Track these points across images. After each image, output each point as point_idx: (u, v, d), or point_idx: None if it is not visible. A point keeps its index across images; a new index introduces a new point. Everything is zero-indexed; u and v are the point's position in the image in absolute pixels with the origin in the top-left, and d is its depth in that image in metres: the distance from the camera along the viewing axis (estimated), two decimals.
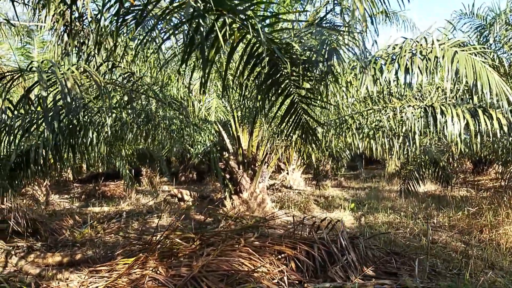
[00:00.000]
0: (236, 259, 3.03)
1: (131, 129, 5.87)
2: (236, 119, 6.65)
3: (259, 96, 3.50)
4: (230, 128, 7.04)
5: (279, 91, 3.44)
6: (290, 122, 3.70)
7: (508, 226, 5.26)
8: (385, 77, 4.96)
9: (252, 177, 6.95)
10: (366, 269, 3.25)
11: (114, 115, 5.98)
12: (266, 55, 3.04)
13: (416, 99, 6.32)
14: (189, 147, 6.90)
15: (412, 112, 5.88)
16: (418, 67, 4.68)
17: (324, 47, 2.90)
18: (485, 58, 4.85)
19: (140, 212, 8.65)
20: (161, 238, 3.40)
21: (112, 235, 6.16)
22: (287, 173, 13.84)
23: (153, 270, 2.83)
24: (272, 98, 3.53)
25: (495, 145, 7.52)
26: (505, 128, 5.20)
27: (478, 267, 4.10)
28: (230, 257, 3.06)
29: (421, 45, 4.79)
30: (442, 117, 5.61)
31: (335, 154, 11.56)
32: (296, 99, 3.57)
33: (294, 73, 3.31)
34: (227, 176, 7.08)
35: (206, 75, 2.75)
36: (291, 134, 3.95)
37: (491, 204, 6.32)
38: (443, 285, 2.92)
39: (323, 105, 4.50)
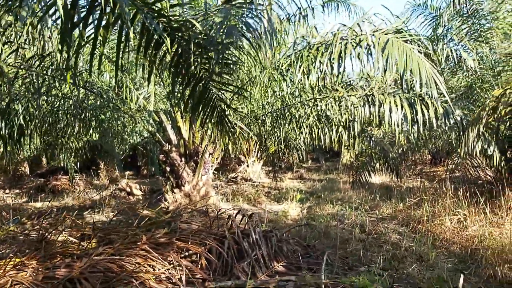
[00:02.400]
0: (130, 259, 2.77)
1: (53, 119, 5.51)
2: (175, 108, 6.35)
3: (169, 81, 3.22)
4: (173, 118, 6.73)
5: (188, 75, 3.18)
6: (205, 109, 3.45)
7: (444, 217, 5.21)
8: (320, 66, 4.80)
9: (194, 169, 6.68)
10: (277, 264, 3.06)
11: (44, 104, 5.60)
12: (167, 34, 2.77)
13: (360, 88, 6.21)
14: (127, 138, 6.57)
15: (353, 102, 5.74)
16: (351, 55, 4.53)
17: (224, 24, 2.65)
18: (420, 46, 4.73)
19: (82, 207, 8.24)
20: (53, 236, 3.11)
21: (41, 232, 5.76)
22: (247, 166, 13.63)
23: (32, 272, 2.54)
24: (184, 83, 3.26)
25: (449, 136, 7.53)
26: (440, 116, 5.14)
27: (404, 259, 4.00)
28: (125, 256, 2.80)
29: (354, 32, 4.63)
30: (381, 106, 5.50)
31: (292, 146, 11.46)
32: (208, 85, 3.32)
33: (203, 56, 3.07)
34: (168, 168, 6.77)
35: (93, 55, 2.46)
36: (206, 122, 3.70)
37: (433, 195, 6.29)
38: (345, 280, 2.76)
39: (238, 91, 4.26)
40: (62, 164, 14.80)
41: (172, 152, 6.66)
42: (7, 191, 12.76)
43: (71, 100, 5.31)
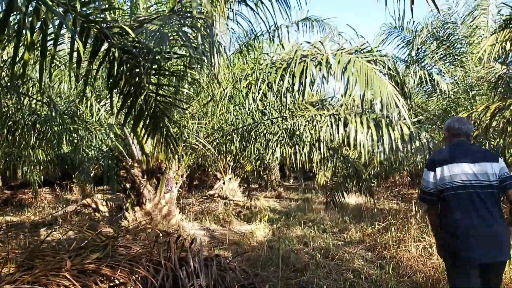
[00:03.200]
0: None
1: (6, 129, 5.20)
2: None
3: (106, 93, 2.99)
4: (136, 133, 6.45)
5: (124, 86, 2.94)
6: (146, 124, 3.21)
7: (410, 243, 5.01)
8: (281, 84, 4.63)
9: (156, 186, 6.38)
10: None
11: None
12: (99, 41, 2.55)
13: (331, 107, 6.06)
14: (87, 152, 6.27)
15: (319, 121, 5.58)
16: (312, 74, 4.37)
17: (159, 32, 2.44)
18: (384, 68, 4.60)
19: (40, 223, 7.83)
20: None
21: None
22: (223, 183, 13.32)
23: None
24: (122, 94, 3.02)
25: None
26: (406, 138, 4.99)
27: None
28: (40, 286, 2.51)
29: (317, 49, 4.49)
30: (346, 127, 5.35)
31: (267, 165, 11.26)
32: (148, 97, 3.09)
33: (136, 65, 2.84)
34: (128, 185, 6.47)
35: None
36: (148, 138, 3.46)
37: (402, 219, 6.11)
38: None
39: (180, 103, 4.04)
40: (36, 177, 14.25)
41: (133, 168, 6.36)
42: None
43: (22, 111, 5.01)
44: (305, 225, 7.41)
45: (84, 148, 5.78)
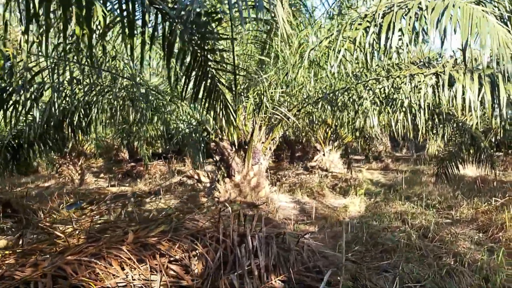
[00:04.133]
0: (104, 261, 2.51)
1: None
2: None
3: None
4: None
5: (180, 54, 2.77)
6: (207, 95, 3.01)
7: None
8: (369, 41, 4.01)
9: (244, 158, 6.31)
10: (274, 278, 2.53)
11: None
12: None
13: (426, 66, 5.18)
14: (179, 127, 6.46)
15: (419, 81, 4.80)
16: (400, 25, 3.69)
17: None
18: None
19: (148, 193, 8.47)
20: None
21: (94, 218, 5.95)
22: (323, 155, 12.88)
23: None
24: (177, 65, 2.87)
25: None
26: None
27: (460, 276, 3.14)
28: (100, 258, 2.55)
29: None
30: (453, 86, 4.49)
31: (367, 134, 10.46)
32: (206, 67, 2.88)
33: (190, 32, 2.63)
34: (217, 158, 6.52)
35: None
36: (209, 109, 3.26)
37: None
38: None
39: (233, 70, 3.69)
40: (160, 151, 15.60)
41: (222, 141, 6.37)
42: (101, 174, 13.90)
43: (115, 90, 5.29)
44: (408, 200, 6.67)
45: (174, 122, 5.93)
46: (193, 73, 2.88)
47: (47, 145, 6.60)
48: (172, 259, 2.73)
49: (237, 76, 5.43)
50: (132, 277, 2.50)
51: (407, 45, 4.25)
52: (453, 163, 7.79)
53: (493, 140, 7.38)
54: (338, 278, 2.46)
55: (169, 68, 2.88)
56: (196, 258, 2.76)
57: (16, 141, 6.54)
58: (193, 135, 6.14)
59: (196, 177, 9.74)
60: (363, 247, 4.01)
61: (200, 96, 3.08)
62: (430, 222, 4.92)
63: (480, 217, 5.09)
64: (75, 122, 6.10)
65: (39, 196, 8.26)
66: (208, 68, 2.84)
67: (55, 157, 12.99)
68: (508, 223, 4.25)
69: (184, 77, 2.86)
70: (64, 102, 5.62)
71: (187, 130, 6.28)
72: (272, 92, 5.25)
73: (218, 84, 2.98)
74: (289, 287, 2.53)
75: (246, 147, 6.30)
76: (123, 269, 2.51)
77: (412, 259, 3.54)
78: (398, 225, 5.07)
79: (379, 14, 3.70)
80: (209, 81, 2.89)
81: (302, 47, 4.82)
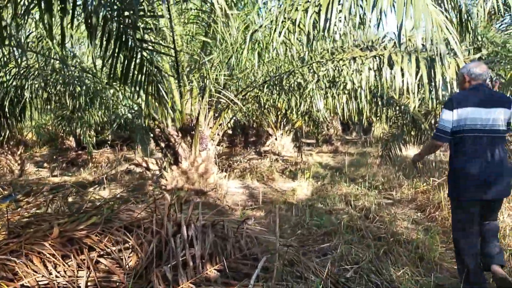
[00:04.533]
0: (24, 258, 2.31)
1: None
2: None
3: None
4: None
5: (104, 33, 2.55)
6: (136, 76, 2.83)
7: None
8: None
9: (191, 144, 6.14)
10: (210, 268, 2.46)
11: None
12: None
13: (369, 49, 5.24)
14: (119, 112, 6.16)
15: (360, 64, 4.84)
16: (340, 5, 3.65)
17: None
18: None
19: (91, 183, 8.10)
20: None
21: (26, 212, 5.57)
22: (276, 139, 12.94)
23: None
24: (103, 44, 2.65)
25: None
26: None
27: (398, 257, 3.23)
28: (17, 255, 2.35)
29: None
30: (391, 68, 4.57)
31: (316, 118, 10.58)
32: (134, 45, 2.68)
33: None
34: (162, 144, 6.32)
35: None
36: (138, 91, 3.09)
37: None
38: None
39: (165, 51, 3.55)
40: (110, 137, 14.84)
41: (168, 126, 6.16)
42: (45, 164, 13.13)
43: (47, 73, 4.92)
44: (354, 182, 6.84)
45: (114, 107, 5.64)
46: (122, 54, 2.68)
47: None
48: (102, 253, 2.57)
49: (181, 58, 5.25)
50: (56, 274, 2.32)
51: (350, 28, 4.28)
52: (396, 145, 8.07)
53: (433, 122, 7.70)
54: (275, 263, 2.42)
55: (93, 48, 2.67)
56: (129, 251, 2.62)
57: None
58: (136, 121, 5.87)
59: (144, 164, 9.42)
60: (306, 231, 4.03)
61: (132, 79, 2.88)
62: (372, 203, 5.05)
63: (419, 197, 5.30)
64: (6, 108, 5.69)
65: None
66: (137, 49, 2.65)
67: None
68: (444, 202, 4.44)
69: (110, 58, 2.66)
70: None
71: (129, 116, 6.00)
72: (216, 75, 5.10)
73: (150, 66, 2.80)
74: (225, 276, 2.46)
75: (193, 132, 6.13)
76: (46, 266, 2.32)
77: (352, 241, 3.60)
78: (342, 207, 5.18)
79: None
80: (138, 62, 2.70)
81: (247, 28, 4.71)
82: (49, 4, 2.19)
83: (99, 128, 12.30)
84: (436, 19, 3.23)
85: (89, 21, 2.41)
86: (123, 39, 2.52)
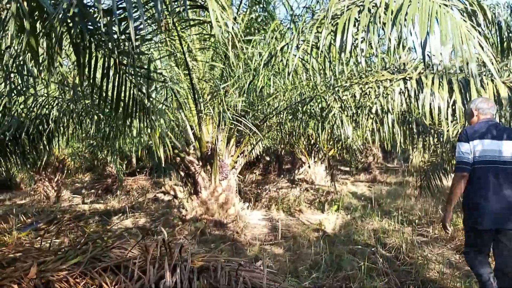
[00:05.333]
0: None
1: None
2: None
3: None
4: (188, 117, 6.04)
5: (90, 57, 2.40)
6: (126, 104, 2.64)
7: None
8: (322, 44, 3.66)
9: (210, 173, 5.91)
10: None
11: None
12: None
13: (399, 72, 4.84)
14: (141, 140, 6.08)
15: (386, 87, 4.46)
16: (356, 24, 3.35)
17: None
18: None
19: (118, 211, 8.04)
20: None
21: (44, 241, 5.50)
22: (309, 167, 12.49)
23: None
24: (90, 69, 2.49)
25: None
26: (505, 102, 3.63)
27: None
28: None
29: None
30: (421, 91, 4.14)
31: (348, 146, 10.10)
32: (121, 74, 2.50)
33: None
34: (182, 173, 6.13)
35: None
36: (129, 118, 2.88)
37: None
38: None
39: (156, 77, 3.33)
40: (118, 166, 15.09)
41: (188, 155, 5.98)
42: (83, 190, 13.41)
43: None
44: (388, 216, 6.28)
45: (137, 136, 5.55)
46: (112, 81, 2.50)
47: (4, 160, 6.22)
48: None
49: (198, 86, 5.10)
50: None
51: (377, 50, 3.93)
52: (436, 175, 7.43)
53: None
54: None
55: (82, 85, 2.51)
56: None
57: None
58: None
59: (172, 193, 9.30)
60: (323, 273, 3.60)
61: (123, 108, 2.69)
62: (404, 241, 4.52)
63: (459, 235, 4.69)
64: (33, 136, 5.78)
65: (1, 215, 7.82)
66: (124, 75, 2.46)
67: (31, 173, 12.57)
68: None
69: (100, 85, 2.48)
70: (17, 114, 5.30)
71: (149, 143, 5.89)
72: (233, 102, 4.88)
73: (140, 93, 2.60)
74: None
75: (212, 161, 5.91)
76: None
77: None
78: (370, 243, 4.68)
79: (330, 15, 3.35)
80: (127, 89, 2.51)
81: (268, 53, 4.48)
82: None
83: (136, 156, 12.43)
84: (467, 34, 2.83)
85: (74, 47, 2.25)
86: (113, 67, 2.34)
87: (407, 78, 4.41)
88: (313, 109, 5.11)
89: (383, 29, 3.32)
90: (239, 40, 3.92)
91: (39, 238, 5.72)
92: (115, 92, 2.53)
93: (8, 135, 5.68)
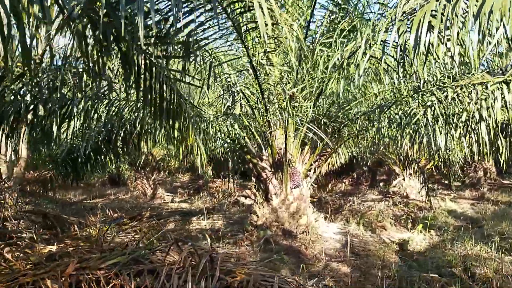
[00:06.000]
0: None
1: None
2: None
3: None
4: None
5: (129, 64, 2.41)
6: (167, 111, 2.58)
7: None
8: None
9: (282, 180, 5.71)
10: None
11: None
12: None
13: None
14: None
15: (480, 91, 3.81)
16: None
17: None
18: None
19: (200, 212, 8.27)
20: None
21: (125, 237, 5.85)
22: (403, 179, 11.53)
23: None
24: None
25: None
26: None
27: None
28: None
29: None
30: None
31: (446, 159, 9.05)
32: (159, 77, 2.47)
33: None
34: (254, 179, 6.03)
35: None
36: (169, 128, 2.79)
37: None
38: None
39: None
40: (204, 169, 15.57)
41: (261, 161, 5.87)
42: (179, 189, 14.24)
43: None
44: (486, 240, 5.39)
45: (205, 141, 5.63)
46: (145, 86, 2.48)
47: (100, 160, 6.81)
48: None
49: (269, 91, 4.96)
50: None
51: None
52: None
53: None
54: None
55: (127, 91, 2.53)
56: None
57: (71, 156, 6.84)
58: (229, 154, 5.76)
59: (253, 197, 9.30)
60: None
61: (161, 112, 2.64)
62: (500, 272, 3.79)
63: None
64: (124, 137, 6.23)
65: (100, 209, 8.59)
66: (160, 80, 2.42)
67: (128, 171, 13.72)
68: None
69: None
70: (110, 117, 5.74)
71: (225, 147, 5.93)
72: (304, 108, 4.63)
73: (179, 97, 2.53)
74: None
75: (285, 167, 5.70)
76: None
77: None
78: (456, 273, 4.02)
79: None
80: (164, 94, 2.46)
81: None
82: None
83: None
84: None
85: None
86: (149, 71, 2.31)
87: (506, 80, 3.70)
88: (393, 115, 4.59)
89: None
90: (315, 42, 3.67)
91: (120, 232, 6.14)
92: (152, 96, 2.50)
93: (101, 136, 6.23)
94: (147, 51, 2.31)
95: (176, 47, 2.61)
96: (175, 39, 2.48)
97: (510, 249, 4.97)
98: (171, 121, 2.77)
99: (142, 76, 2.41)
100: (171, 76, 2.56)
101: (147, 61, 2.33)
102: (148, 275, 2.54)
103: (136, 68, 2.26)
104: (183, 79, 3.14)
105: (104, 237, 5.27)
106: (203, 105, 6.98)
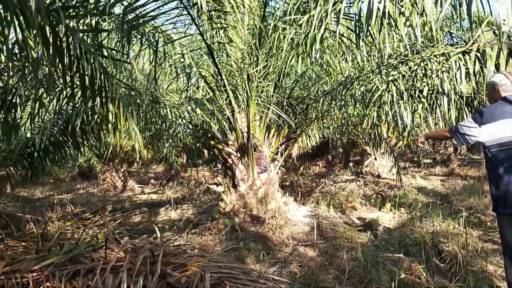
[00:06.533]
0: None
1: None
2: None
3: None
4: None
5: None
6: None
7: None
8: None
9: (248, 165, 5.52)
10: None
11: None
12: None
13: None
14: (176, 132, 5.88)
15: (441, 62, 3.68)
16: None
17: None
18: None
19: (169, 202, 8.02)
20: None
21: (87, 231, 5.56)
22: (375, 159, 11.55)
23: None
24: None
25: None
26: None
27: None
28: None
29: None
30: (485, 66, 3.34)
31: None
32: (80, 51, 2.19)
33: None
34: (220, 166, 5.82)
35: None
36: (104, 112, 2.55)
37: None
38: None
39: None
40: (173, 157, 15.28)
41: (227, 146, 5.65)
42: (152, 180, 13.90)
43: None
44: (456, 215, 5.37)
45: (166, 128, 5.37)
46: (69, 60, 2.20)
47: (61, 154, 6.43)
48: None
49: (223, 70, 4.72)
50: None
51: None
52: None
53: None
54: None
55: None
56: None
57: (27, 150, 6.44)
58: (189, 139, 5.51)
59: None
60: (351, 285, 3.02)
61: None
62: (466, 247, 3.73)
63: None
64: (83, 128, 5.87)
65: (64, 204, 8.22)
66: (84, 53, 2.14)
67: (100, 164, 13.24)
68: None
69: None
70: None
71: (187, 132, 5.67)
72: (264, 88, 4.42)
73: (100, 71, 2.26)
74: None
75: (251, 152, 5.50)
76: None
77: None
78: (424, 250, 3.94)
79: None
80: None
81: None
82: None
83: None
84: None
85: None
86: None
87: (467, 51, 3.58)
88: (354, 92, 4.43)
89: None
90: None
91: (81, 228, 5.84)
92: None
93: (57, 128, 5.84)
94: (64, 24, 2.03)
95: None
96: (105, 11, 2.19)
97: (478, 223, 4.97)
98: (104, 105, 2.51)
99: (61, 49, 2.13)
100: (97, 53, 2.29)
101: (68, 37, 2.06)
102: (88, 275, 2.30)
103: (52, 41, 1.99)
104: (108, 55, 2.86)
105: (64, 234, 4.98)
106: (172, 92, 6.68)
